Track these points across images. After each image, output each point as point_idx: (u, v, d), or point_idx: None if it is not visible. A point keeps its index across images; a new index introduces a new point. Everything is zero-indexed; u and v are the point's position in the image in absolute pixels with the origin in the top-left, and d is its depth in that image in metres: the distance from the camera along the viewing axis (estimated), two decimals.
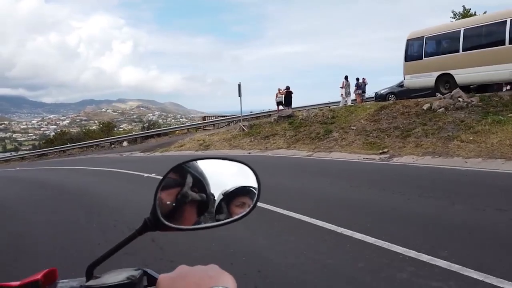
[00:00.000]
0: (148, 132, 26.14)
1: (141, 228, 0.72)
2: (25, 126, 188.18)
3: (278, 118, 17.36)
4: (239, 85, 17.63)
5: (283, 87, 23.09)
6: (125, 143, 25.89)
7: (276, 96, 23.12)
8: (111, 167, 12.79)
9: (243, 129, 17.78)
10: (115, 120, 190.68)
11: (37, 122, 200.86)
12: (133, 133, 26.60)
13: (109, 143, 26.60)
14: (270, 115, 25.12)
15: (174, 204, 0.73)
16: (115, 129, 32.03)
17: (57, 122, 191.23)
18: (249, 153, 13.96)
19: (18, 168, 17.89)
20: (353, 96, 22.54)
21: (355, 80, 22.73)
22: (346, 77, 22.10)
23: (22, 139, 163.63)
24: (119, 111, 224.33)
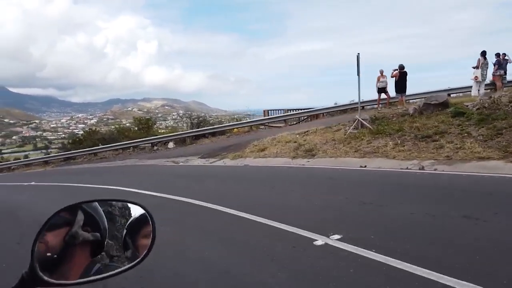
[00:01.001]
0: (200, 131, 20.40)
1: (17, 285, 0.62)
2: (54, 125, 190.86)
3: (424, 107, 11.09)
4: (358, 57, 11.47)
5: (388, 69, 16.87)
6: (171, 145, 20.30)
7: (378, 81, 16.92)
8: (189, 194, 6.96)
9: (361, 124, 11.67)
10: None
11: (66, 121, 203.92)
12: (181, 132, 20.78)
13: (150, 144, 21.11)
14: (363, 107, 18.80)
15: (62, 247, 0.64)
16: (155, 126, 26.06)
17: (85, 121, 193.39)
18: (421, 169, 7.82)
19: (33, 183, 12.44)
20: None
21: (494, 56, 16.16)
22: (483, 53, 15.47)
23: (52, 137, 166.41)
24: (145, 110, 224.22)
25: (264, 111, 22.44)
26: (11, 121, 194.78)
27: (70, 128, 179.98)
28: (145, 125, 24.36)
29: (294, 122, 20.03)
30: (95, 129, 28.22)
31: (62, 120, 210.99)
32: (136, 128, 23.99)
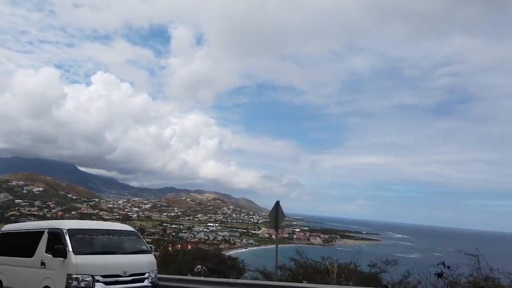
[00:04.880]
0: None
1: None
2: (111, 205, 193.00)
3: None
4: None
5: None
6: None
7: None
8: None
9: None
10: (192, 209, 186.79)
11: (123, 203, 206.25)
12: None
13: None
14: None
15: None
16: None
17: (140, 205, 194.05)
18: None
19: None
20: None
21: None
22: None
23: (107, 217, 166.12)
24: (197, 201, 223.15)
25: None
26: (74, 197, 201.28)
27: (125, 210, 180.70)
28: None
29: None
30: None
31: (119, 202, 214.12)
32: None
